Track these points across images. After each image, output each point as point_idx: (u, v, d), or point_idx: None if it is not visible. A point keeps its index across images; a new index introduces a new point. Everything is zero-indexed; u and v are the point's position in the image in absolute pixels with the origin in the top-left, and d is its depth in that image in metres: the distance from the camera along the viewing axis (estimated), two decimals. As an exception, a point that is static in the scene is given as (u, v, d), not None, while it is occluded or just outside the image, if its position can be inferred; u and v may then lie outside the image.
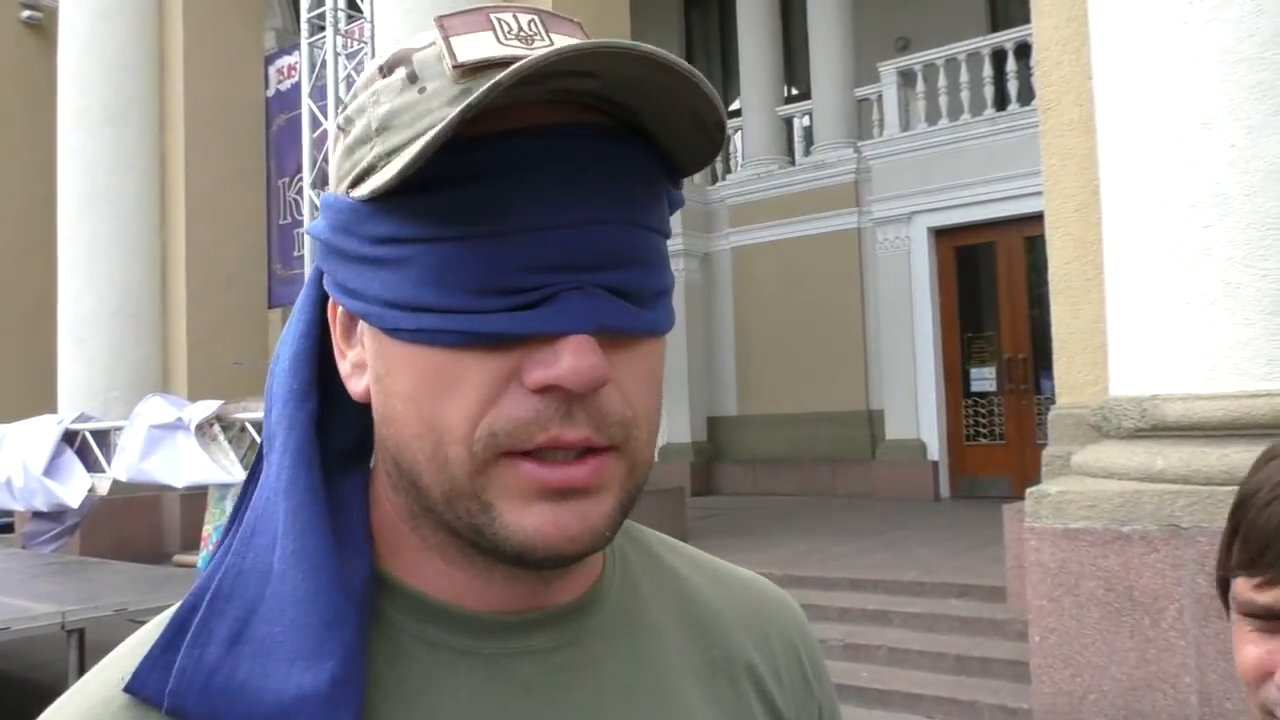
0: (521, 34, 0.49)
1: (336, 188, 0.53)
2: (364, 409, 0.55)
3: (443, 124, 0.43)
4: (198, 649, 0.48)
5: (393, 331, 0.49)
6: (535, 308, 0.47)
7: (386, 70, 0.51)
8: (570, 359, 0.46)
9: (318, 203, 6.90)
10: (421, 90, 0.49)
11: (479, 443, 0.48)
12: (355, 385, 0.54)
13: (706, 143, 0.51)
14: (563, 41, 0.49)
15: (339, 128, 0.54)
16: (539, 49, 0.48)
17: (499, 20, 0.49)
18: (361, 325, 0.52)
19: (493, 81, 0.43)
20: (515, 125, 0.47)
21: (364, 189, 0.49)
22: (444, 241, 0.47)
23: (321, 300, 0.57)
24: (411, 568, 0.54)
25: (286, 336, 0.57)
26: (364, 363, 0.53)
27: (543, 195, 0.47)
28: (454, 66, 0.48)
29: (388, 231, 0.48)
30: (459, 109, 0.43)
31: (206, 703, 0.47)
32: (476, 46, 0.48)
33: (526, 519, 0.48)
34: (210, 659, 0.48)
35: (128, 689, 0.49)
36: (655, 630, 0.60)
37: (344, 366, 0.55)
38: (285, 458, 0.53)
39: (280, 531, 0.51)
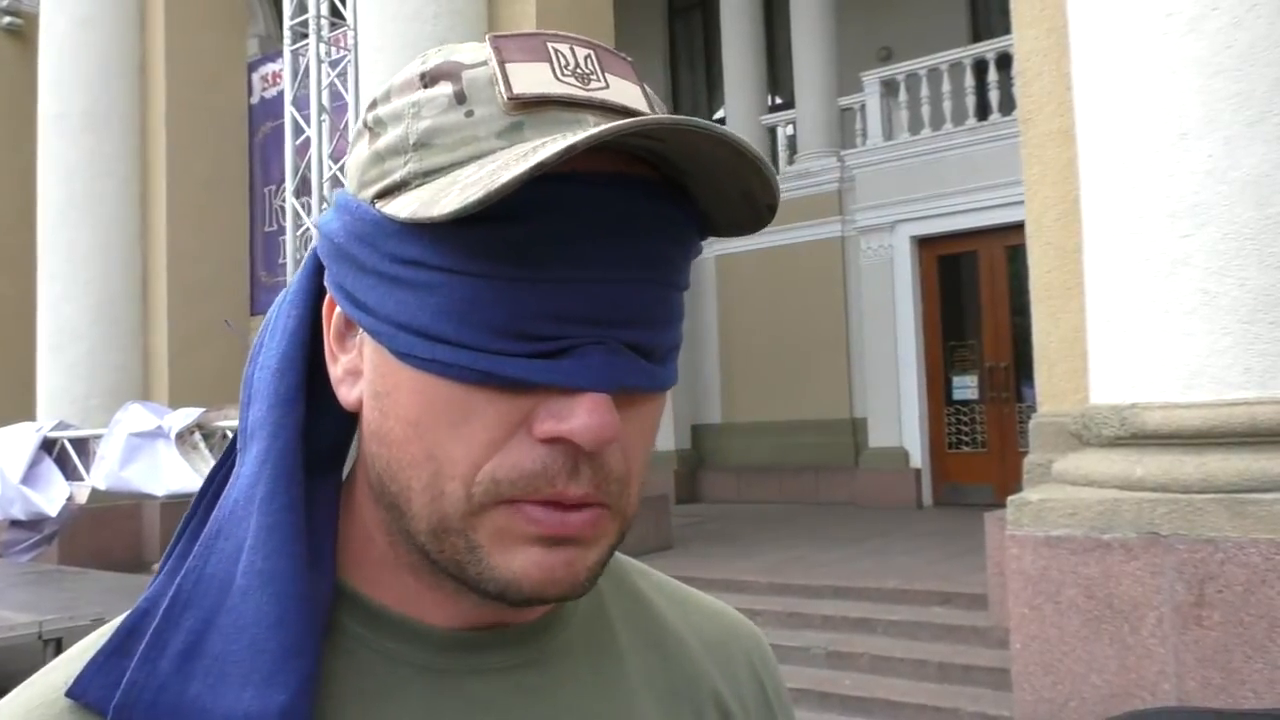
0: (578, 71, 0.48)
1: (359, 192, 0.50)
2: (345, 412, 0.53)
3: (510, 177, 0.41)
4: (149, 663, 0.47)
5: (404, 356, 0.47)
6: (556, 357, 0.46)
7: (429, 81, 0.48)
8: (585, 417, 0.45)
9: (300, 210, 6.87)
10: (469, 114, 0.47)
11: (479, 486, 0.47)
12: (346, 393, 0.52)
13: (752, 218, 0.51)
14: (617, 82, 0.49)
15: (367, 127, 0.51)
16: (595, 89, 0.47)
17: (556, 52, 0.48)
18: (361, 334, 0.51)
19: (568, 145, 0.41)
20: (562, 169, 0.44)
21: (399, 209, 0.47)
22: (472, 276, 0.46)
23: (316, 294, 0.54)
24: (377, 581, 0.53)
25: (275, 329, 0.55)
26: (358, 370, 0.51)
27: (581, 246, 0.46)
28: (509, 98, 0.46)
29: (413, 255, 0.46)
30: (529, 166, 0.41)
31: (152, 719, 0.46)
32: (533, 79, 0.47)
33: (514, 561, 0.48)
34: (161, 674, 0.47)
35: (69, 694, 0.48)
36: (619, 653, 0.59)
37: (335, 371, 0.53)
38: (265, 469, 0.51)
39: (249, 545, 0.49)
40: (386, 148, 0.49)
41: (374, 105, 0.51)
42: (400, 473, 0.49)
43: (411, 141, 0.48)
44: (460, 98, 0.47)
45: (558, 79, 0.47)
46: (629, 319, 0.47)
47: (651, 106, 0.50)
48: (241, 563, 0.49)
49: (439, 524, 0.48)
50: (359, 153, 0.51)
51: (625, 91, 0.49)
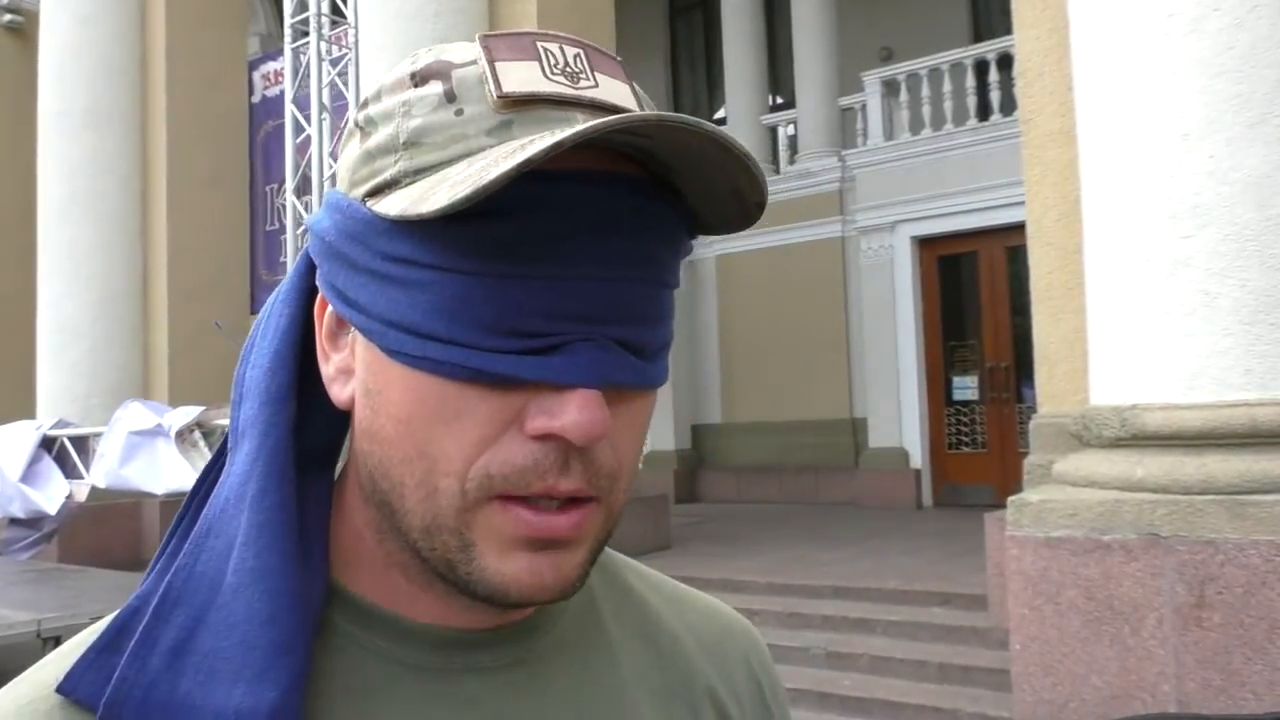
0: (568, 70, 0.48)
1: (350, 191, 0.51)
2: (338, 412, 0.54)
3: (497, 174, 0.41)
4: (139, 659, 0.47)
5: (395, 354, 0.48)
6: (546, 354, 0.46)
7: (420, 80, 0.49)
8: (576, 413, 0.46)
9: (300, 209, 6.87)
10: (459, 112, 0.47)
11: (472, 481, 0.47)
12: (338, 392, 0.52)
13: (741, 215, 0.51)
14: (606, 81, 0.49)
15: (358, 125, 0.51)
16: (584, 88, 0.48)
17: (546, 51, 0.48)
18: (353, 332, 0.51)
19: (555, 141, 0.42)
20: (554, 167, 0.45)
21: (389, 207, 0.47)
22: (462, 274, 0.46)
23: (308, 293, 0.55)
24: (369, 580, 0.54)
25: (267, 328, 0.55)
26: (350, 369, 0.52)
27: (570, 244, 0.46)
28: (498, 96, 0.47)
29: (404, 253, 0.47)
30: (516, 162, 0.41)
31: (142, 716, 0.46)
32: (522, 78, 0.47)
33: (505, 565, 0.48)
34: (151, 671, 0.47)
35: (60, 690, 0.48)
36: (611, 651, 0.60)
37: (327, 370, 0.53)
38: (256, 466, 0.51)
39: (240, 542, 0.49)
40: (377, 146, 0.49)
41: (365, 105, 0.52)
42: (392, 470, 0.49)
43: (402, 140, 0.48)
44: (450, 96, 0.48)
45: (547, 78, 0.47)
46: (619, 316, 0.48)
47: (640, 105, 0.50)
48: (232, 560, 0.49)
49: (432, 521, 0.48)
50: (350, 152, 0.52)
51: (614, 90, 0.49)
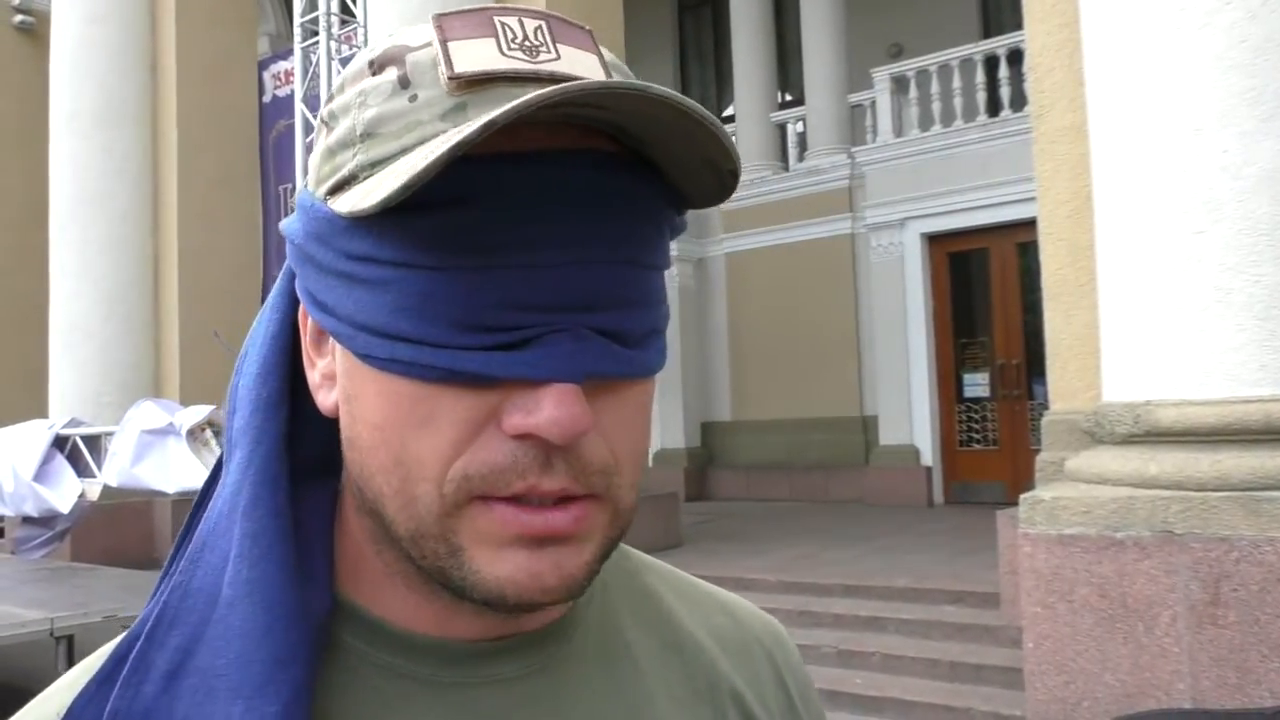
0: (526, 44, 0.45)
1: (315, 189, 0.48)
2: (333, 420, 0.52)
3: (429, 161, 0.39)
4: (131, 688, 0.46)
5: (365, 357, 0.45)
6: (519, 349, 0.44)
7: (377, 68, 0.46)
8: (552, 409, 0.43)
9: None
10: (413, 98, 0.45)
11: (450, 484, 0.45)
12: (324, 398, 0.50)
13: (718, 186, 0.48)
14: (570, 53, 0.46)
15: (323, 121, 0.49)
16: (544, 61, 0.45)
17: (503, 25, 0.45)
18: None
19: (487, 120, 0.39)
20: (512, 148, 0.43)
21: (341, 203, 0.45)
22: (424, 269, 0.43)
23: (295, 298, 0.53)
24: (373, 593, 0.51)
25: (255, 335, 0.54)
26: (334, 375, 0.50)
27: (536, 229, 0.43)
28: (450, 78, 0.44)
29: (364, 250, 0.44)
30: (449, 147, 0.39)
31: None
32: (476, 56, 0.44)
33: (499, 566, 0.45)
34: (145, 699, 0.46)
35: None
36: (633, 657, 0.57)
37: (313, 376, 0.51)
38: (248, 474, 0.49)
39: (235, 555, 0.48)
40: (337, 141, 0.47)
41: (330, 99, 0.49)
42: (373, 478, 0.47)
43: (359, 132, 0.46)
44: (404, 82, 0.45)
45: (503, 54, 0.45)
46: (595, 303, 0.45)
47: (608, 74, 0.47)
48: (228, 574, 0.48)
49: (417, 529, 0.46)
50: (316, 149, 0.50)
51: (579, 61, 0.46)
